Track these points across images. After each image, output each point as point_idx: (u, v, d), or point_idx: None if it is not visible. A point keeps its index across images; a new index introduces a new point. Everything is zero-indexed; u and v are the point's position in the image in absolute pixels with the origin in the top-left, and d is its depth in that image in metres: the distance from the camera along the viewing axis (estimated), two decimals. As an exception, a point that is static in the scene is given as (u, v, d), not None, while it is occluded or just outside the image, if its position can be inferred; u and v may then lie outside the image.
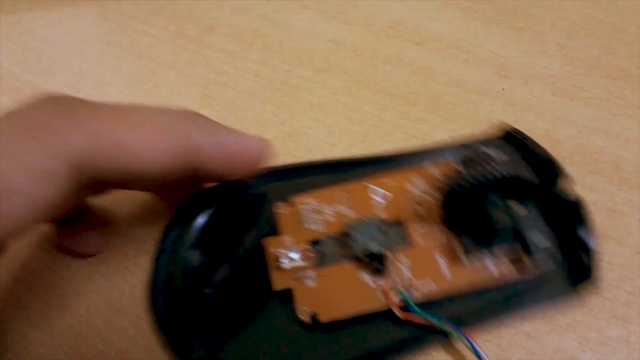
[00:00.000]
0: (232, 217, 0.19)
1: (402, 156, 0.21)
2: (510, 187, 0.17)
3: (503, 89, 0.23)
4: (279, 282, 0.18)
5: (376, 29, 0.26)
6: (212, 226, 0.19)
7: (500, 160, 0.17)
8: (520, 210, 0.18)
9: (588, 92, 0.23)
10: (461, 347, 0.17)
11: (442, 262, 0.18)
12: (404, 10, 0.27)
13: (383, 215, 0.19)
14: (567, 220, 0.18)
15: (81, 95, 0.16)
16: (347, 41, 0.26)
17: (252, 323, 0.18)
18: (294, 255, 0.18)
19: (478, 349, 0.17)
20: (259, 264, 0.18)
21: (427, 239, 0.19)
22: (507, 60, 0.24)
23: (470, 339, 0.17)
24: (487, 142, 0.21)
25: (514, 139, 0.21)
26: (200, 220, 0.19)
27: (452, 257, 0.18)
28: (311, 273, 0.18)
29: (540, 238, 0.18)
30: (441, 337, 0.17)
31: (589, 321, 0.18)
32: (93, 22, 0.27)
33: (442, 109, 0.23)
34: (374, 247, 0.17)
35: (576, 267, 0.18)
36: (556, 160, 0.19)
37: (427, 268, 0.18)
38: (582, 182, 0.20)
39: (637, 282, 0.18)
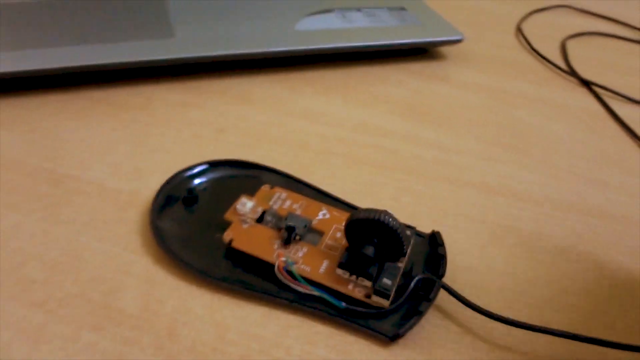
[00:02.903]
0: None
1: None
2: (390, 240, 0.24)
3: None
4: (229, 214, 0.28)
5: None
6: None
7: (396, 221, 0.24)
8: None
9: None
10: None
11: (324, 264, 0.26)
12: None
13: (316, 224, 0.28)
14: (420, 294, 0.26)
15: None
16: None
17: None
18: (249, 205, 0.28)
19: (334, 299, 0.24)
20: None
21: (328, 249, 0.27)
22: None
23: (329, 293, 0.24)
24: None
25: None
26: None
27: (332, 265, 0.26)
28: (250, 221, 0.27)
29: (387, 282, 0.24)
30: (309, 303, 0.25)
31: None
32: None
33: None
34: (291, 225, 0.27)
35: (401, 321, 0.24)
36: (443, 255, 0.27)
37: (313, 261, 0.26)
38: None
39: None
